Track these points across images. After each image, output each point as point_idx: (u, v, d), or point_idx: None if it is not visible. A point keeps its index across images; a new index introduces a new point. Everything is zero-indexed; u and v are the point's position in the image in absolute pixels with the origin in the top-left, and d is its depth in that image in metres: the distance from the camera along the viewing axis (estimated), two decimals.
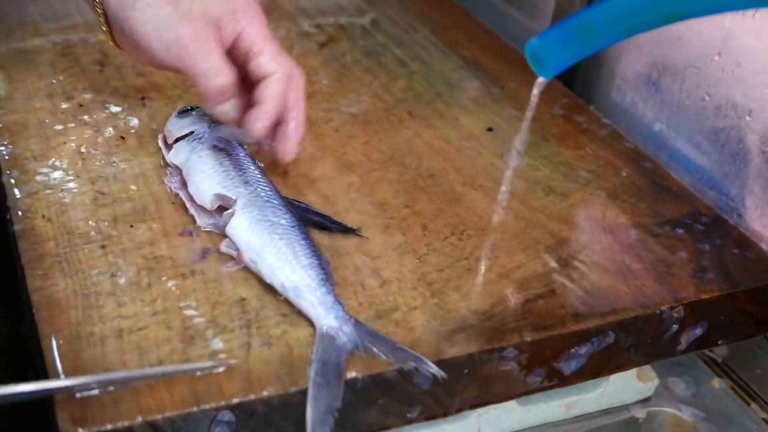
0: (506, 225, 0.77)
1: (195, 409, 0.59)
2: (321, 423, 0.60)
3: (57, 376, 0.59)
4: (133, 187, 0.77)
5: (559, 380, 0.70)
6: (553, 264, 0.73)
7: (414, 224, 0.76)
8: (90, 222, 0.73)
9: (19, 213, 0.73)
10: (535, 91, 0.64)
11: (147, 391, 0.59)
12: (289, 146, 0.77)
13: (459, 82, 0.97)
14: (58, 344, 0.62)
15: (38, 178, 0.77)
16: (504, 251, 0.74)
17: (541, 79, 0.63)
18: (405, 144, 0.86)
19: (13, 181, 0.77)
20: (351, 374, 0.62)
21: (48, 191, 0.76)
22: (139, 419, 0.57)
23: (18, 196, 0.75)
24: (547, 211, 0.79)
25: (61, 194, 0.76)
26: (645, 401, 0.82)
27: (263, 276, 0.68)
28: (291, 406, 0.61)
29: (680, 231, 0.78)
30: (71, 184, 0.77)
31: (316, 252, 0.68)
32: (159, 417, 0.58)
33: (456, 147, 0.87)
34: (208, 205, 0.72)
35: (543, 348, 0.67)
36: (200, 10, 0.73)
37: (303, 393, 0.61)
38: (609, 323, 0.69)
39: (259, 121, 0.75)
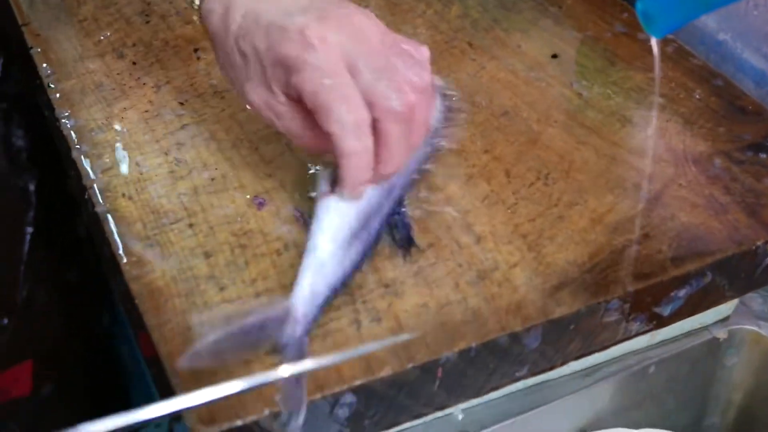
0: (589, 163, 0.76)
1: (318, 395, 0.59)
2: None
3: (176, 378, 0.59)
4: (207, 153, 0.76)
5: (657, 323, 0.71)
6: (644, 204, 0.73)
7: (497, 171, 0.75)
8: (172, 198, 0.72)
9: (99, 193, 0.72)
10: (655, 50, 0.61)
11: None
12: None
13: (514, 3, 0.94)
14: (166, 337, 0.62)
15: (108, 150, 0.76)
16: (592, 194, 0.73)
17: (655, 40, 0.61)
18: (471, 80, 0.84)
19: (84, 156, 0.75)
20: (465, 344, 0.62)
21: (122, 165, 0.75)
22: (266, 411, 0.58)
23: (93, 175, 0.74)
24: (626, 145, 0.78)
25: (136, 168, 0.74)
26: (724, 320, 0.82)
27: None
28: (408, 382, 0.62)
29: (764, 156, 0.77)
30: (144, 156, 0.75)
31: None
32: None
33: (524, 79, 0.85)
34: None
35: (644, 296, 0.68)
36: (254, 76, 0.66)
37: (420, 368, 0.61)
38: (707, 264, 0.69)
39: (345, 192, 0.67)
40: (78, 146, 0.76)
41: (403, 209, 0.71)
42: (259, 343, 0.60)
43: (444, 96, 0.77)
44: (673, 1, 0.57)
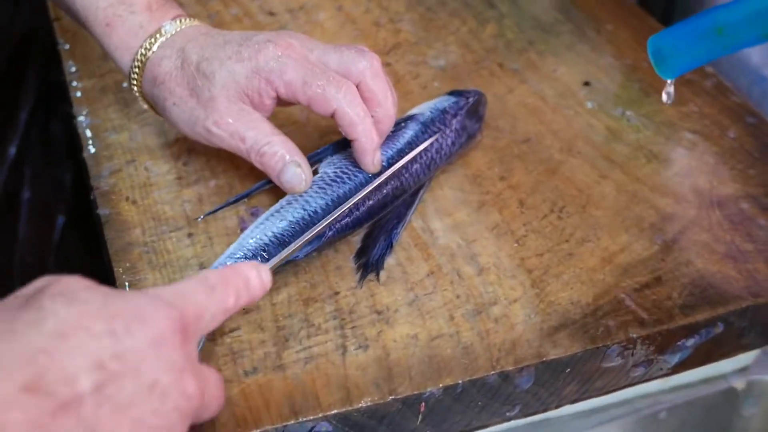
0: (607, 199, 0.74)
1: (293, 421, 0.58)
2: None
3: None
4: (216, 162, 0.75)
5: (663, 372, 0.68)
6: (659, 246, 0.70)
7: (511, 200, 0.73)
8: (175, 205, 0.71)
9: (103, 195, 0.72)
10: (665, 98, 0.59)
11: (243, 403, 0.58)
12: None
13: (552, 26, 0.92)
14: None
15: (119, 152, 0.76)
16: (606, 231, 0.71)
17: (670, 82, 0.58)
18: (497, 102, 0.82)
19: (94, 157, 0.75)
20: (451, 381, 0.60)
21: (130, 168, 0.74)
22: None
23: (100, 175, 0.74)
24: (650, 182, 0.75)
25: (144, 172, 0.74)
26: (743, 370, 0.79)
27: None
28: (389, 414, 0.60)
29: None
30: (154, 161, 0.75)
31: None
32: None
33: (552, 105, 0.82)
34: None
35: (649, 343, 0.65)
36: (221, 92, 0.68)
37: (401, 401, 0.60)
38: (719, 315, 0.66)
39: (367, 161, 0.70)
40: (90, 145, 0.76)
41: (396, 231, 0.69)
42: None
43: (473, 103, 0.77)
44: (686, 42, 0.54)
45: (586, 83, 0.85)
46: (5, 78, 1.21)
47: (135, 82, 0.72)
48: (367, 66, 0.69)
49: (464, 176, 0.75)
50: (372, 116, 0.69)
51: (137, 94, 0.73)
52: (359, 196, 0.69)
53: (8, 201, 1.18)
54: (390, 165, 0.71)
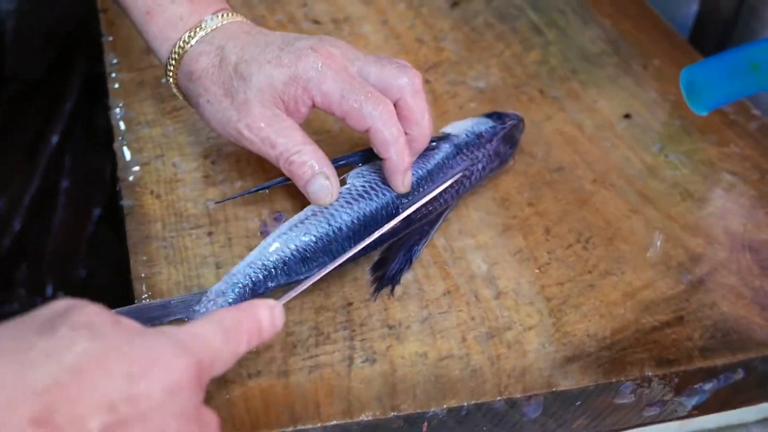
0: (636, 234, 0.72)
1: (290, 429, 0.57)
2: None
3: None
4: (245, 164, 0.75)
5: (678, 415, 0.66)
6: (684, 286, 0.68)
7: (536, 226, 0.72)
8: (199, 203, 0.71)
9: (129, 186, 0.72)
10: None
11: (242, 405, 0.58)
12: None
13: (598, 57, 0.91)
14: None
15: (149, 146, 0.76)
16: (632, 266, 0.69)
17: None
18: (533, 129, 0.81)
19: (125, 148, 0.75)
20: (456, 403, 0.59)
21: (159, 163, 0.74)
22: None
23: (129, 167, 0.74)
24: (682, 220, 0.74)
25: (172, 167, 0.74)
26: (766, 420, 0.77)
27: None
28: (389, 431, 0.59)
29: None
30: (183, 156, 0.75)
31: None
32: None
33: (589, 136, 0.81)
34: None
35: (664, 383, 0.63)
36: (256, 96, 0.67)
37: (403, 419, 0.59)
38: (739, 361, 0.64)
39: (397, 181, 0.68)
40: (122, 137, 0.76)
41: (417, 247, 0.68)
42: (156, 319, 0.62)
43: (510, 129, 0.76)
44: (721, 76, 0.53)
45: (627, 116, 0.84)
46: (54, 67, 1.22)
47: (171, 74, 0.72)
48: (408, 83, 0.68)
49: (492, 199, 0.74)
50: (407, 134, 0.68)
51: (172, 85, 0.73)
52: (383, 230, 0.67)
53: (47, 189, 1.19)
54: (418, 185, 0.70)
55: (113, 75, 0.82)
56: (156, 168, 0.74)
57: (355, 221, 0.67)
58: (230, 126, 0.69)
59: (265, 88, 0.68)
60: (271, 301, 0.56)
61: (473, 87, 0.86)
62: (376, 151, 0.68)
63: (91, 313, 0.47)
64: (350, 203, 0.68)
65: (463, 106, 0.83)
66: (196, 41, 0.70)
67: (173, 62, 0.71)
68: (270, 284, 0.64)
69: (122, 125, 0.78)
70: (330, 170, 0.68)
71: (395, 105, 0.68)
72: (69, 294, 1.19)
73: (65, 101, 1.20)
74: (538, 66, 0.89)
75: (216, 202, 0.71)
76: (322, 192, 0.67)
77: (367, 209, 0.68)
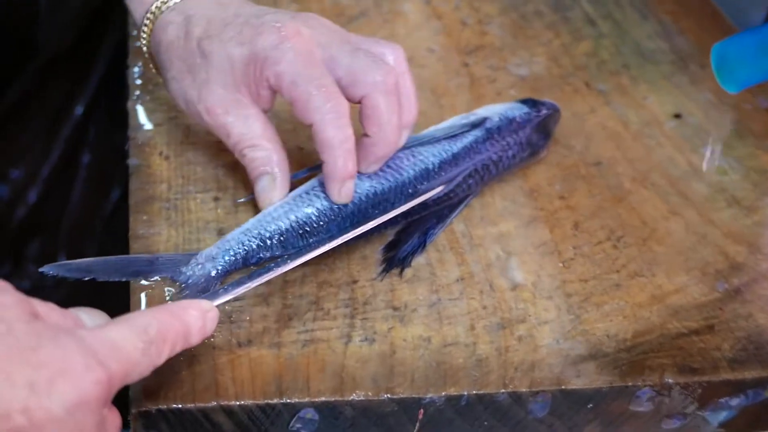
0: (673, 237, 0.72)
1: (276, 401, 0.58)
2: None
3: None
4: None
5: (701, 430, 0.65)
6: (719, 294, 0.68)
7: (565, 220, 0.72)
8: (209, 168, 0.72)
9: (137, 146, 0.74)
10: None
11: (228, 373, 0.58)
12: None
13: (653, 53, 0.91)
14: (147, 303, 0.62)
15: (164, 108, 0.77)
16: (664, 269, 0.69)
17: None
18: (574, 120, 0.81)
19: (139, 107, 0.77)
20: (455, 391, 0.59)
21: (172, 125, 0.76)
22: (214, 403, 0.57)
23: (140, 126, 0.75)
24: (725, 227, 0.73)
25: (185, 130, 0.76)
26: None
27: None
28: (384, 415, 0.59)
29: None
30: None
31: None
32: (236, 404, 0.57)
33: (634, 133, 0.81)
34: None
35: (686, 393, 0.63)
36: (217, 77, 0.67)
37: (398, 402, 0.59)
38: None
39: (333, 189, 0.67)
40: (136, 96, 0.78)
41: (433, 231, 0.69)
42: (141, 273, 0.63)
43: (544, 117, 0.76)
44: (755, 52, 0.53)
45: (677, 116, 0.83)
46: (84, 37, 1.25)
47: (144, 42, 0.71)
48: (380, 81, 0.66)
49: (520, 188, 0.74)
50: (367, 136, 0.67)
51: (146, 55, 0.73)
52: (386, 216, 0.68)
53: (67, 162, 1.21)
54: (440, 168, 0.70)
55: (134, 33, 0.84)
56: (169, 129, 0.75)
57: (364, 198, 0.68)
58: (192, 106, 0.68)
59: (226, 69, 0.67)
60: (205, 304, 0.56)
61: (515, 74, 0.86)
62: (317, 149, 0.66)
63: (4, 305, 0.47)
64: (362, 179, 0.68)
65: (501, 93, 0.84)
66: (168, 8, 0.70)
67: (145, 29, 0.71)
68: (264, 255, 0.64)
69: (138, 82, 0.79)
70: (280, 171, 0.67)
71: (361, 102, 0.66)
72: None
73: (93, 72, 1.22)
74: (587, 58, 0.89)
75: (238, 201, 0.71)
76: (263, 193, 0.67)
77: (380, 188, 0.68)
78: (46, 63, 1.24)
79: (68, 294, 1.21)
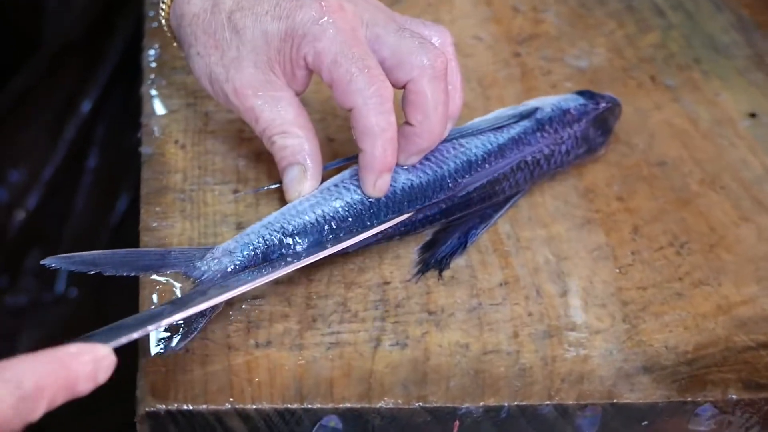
0: (744, 244, 0.74)
1: (296, 406, 0.60)
2: None
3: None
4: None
5: None
6: None
7: (623, 224, 0.75)
8: (228, 158, 0.76)
9: (151, 133, 0.77)
10: None
11: (244, 375, 0.61)
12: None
13: (728, 47, 0.93)
14: (154, 301, 0.65)
15: (182, 93, 0.81)
16: (732, 278, 0.71)
17: None
18: (637, 117, 0.84)
19: (153, 92, 0.81)
20: (495, 401, 0.62)
21: (190, 111, 0.79)
22: (228, 405, 0.60)
23: (155, 112, 0.79)
24: None
25: (203, 117, 0.79)
26: None
27: None
28: (414, 426, 0.62)
29: None
30: (217, 108, 0.80)
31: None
32: (252, 408, 0.60)
33: (703, 132, 0.84)
34: None
35: (753, 412, 0.65)
36: (249, 54, 0.69)
37: (431, 412, 0.61)
38: None
39: (368, 181, 0.69)
40: (151, 81, 0.82)
41: (475, 231, 0.71)
42: (151, 267, 0.66)
43: (604, 111, 0.79)
44: None
45: (752, 115, 0.86)
46: (95, 28, 1.28)
47: (163, 14, 0.74)
48: (428, 64, 0.68)
49: (574, 187, 0.77)
50: (410, 125, 0.69)
51: (165, 28, 0.75)
52: (401, 217, 0.70)
53: (72, 164, 1.25)
54: (484, 161, 0.73)
55: (151, 13, 0.88)
56: (186, 116, 0.79)
57: (397, 193, 0.70)
58: (217, 86, 0.71)
59: (260, 46, 0.69)
60: (101, 349, 0.54)
61: (572, 65, 0.89)
62: (354, 137, 0.68)
63: None
64: (398, 171, 0.71)
65: (556, 85, 0.87)
66: None
67: (165, 0, 0.73)
68: (286, 251, 0.67)
69: (153, 65, 0.83)
70: (312, 162, 0.70)
71: (405, 87, 0.69)
72: (83, 291, 1.25)
73: (103, 64, 1.26)
74: (654, 50, 0.92)
75: (258, 190, 0.74)
76: (291, 184, 0.70)
77: (417, 180, 0.71)
78: (52, 55, 1.28)
79: (71, 313, 1.25)
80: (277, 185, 0.72)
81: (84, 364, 0.52)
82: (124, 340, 0.56)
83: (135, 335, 0.57)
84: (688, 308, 0.69)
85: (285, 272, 0.65)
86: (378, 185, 0.69)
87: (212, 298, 0.62)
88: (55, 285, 1.24)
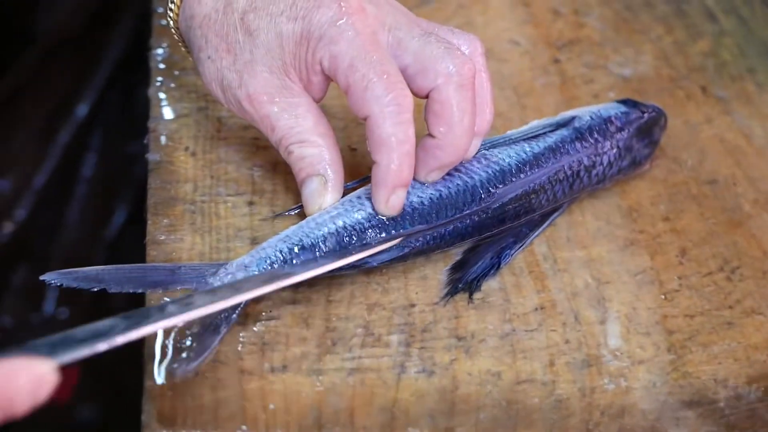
0: None
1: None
2: None
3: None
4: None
5: None
6: None
7: (670, 246, 0.77)
8: (243, 167, 0.78)
9: (158, 139, 0.79)
10: None
11: (258, 401, 0.63)
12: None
13: None
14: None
15: (192, 96, 0.83)
16: None
17: None
18: (686, 130, 0.86)
19: (161, 95, 0.83)
20: None
21: (201, 116, 0.82)
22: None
23: (163, 117, 0.81)
24: None
25: (216, 123, 0.81)
26: None
27: None
28: None
29: None
30: (231, 113, 0.81)
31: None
32: None
33: (757, 148, 0.86)
34: None
35: None
36: (263, 58, 0.70)
37: None
38: None
39: (380, 197, 0.70)
40: (159, 82, 0.84)
41: (509, 251, 0.73)
42: (160, 284, 0.68)
43: (648, 120, 0.80)
44: None
45: None
46: (94, 19, 1.30)
47: (171, 16, 0.76)
48: (454, 71, 0.69)
49: (617, 206, 0.79)
50: (433, 137, 0.70)
51: (173, 31, 0.77)
52: (438, 224, 0.72)
53: (64, 172, 1.26)
54: (518, 171, 0.74)
55: (159, 9, 0.90)
56: (197, 121, 0.81)
57: (425, 203, 0.72)
58: (229, 92, 0.72)
59: (274, 49, 0.70)
60: (42, 366, 0.54)
61: (616, 74, 0.91)
62: (369, 148, 0.70)
63: None
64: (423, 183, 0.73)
65: (598, 95, 0.89)
66: None
67: (174, 0, 0.75)
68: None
69: (162, 66, 0.85)
70: (333, 172, 0.71)
71: (428, 95, 0.70)
72: (74, 312, 1.27)
73: (102, 64, 1.27)
74: (704, 58, 0.94)
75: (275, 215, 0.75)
76: (311, 197, 0.71)
77: (445, 191, 0.73)
78: (45, 51, 1.29)
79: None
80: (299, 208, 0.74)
81: (23, 382, 0.52)
82: (68, 358, 0.55)
83: (85, 353, 0.56)
84: (738, 338, 0.71)
85: (276, 287, 0.67)
86: (391, 202, 0.70)
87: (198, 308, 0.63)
88: (43, 304, 1.25)
